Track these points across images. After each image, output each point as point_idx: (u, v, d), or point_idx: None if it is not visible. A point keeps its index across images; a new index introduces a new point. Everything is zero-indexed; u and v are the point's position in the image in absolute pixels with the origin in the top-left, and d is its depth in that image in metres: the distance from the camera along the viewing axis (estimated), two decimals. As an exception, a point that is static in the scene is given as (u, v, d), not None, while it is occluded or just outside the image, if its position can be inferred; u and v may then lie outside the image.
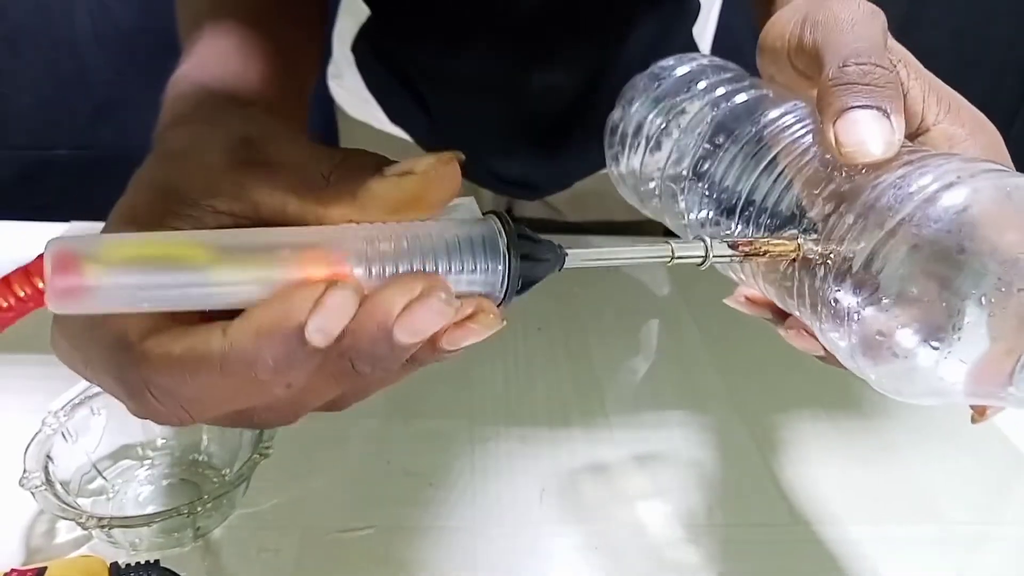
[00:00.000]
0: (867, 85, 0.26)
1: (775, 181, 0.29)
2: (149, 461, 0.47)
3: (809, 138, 0.28)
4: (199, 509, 0.39)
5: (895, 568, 0.44)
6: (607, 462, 0.50)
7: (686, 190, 0.33)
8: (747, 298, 0.33)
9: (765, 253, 0.27)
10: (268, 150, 0.26)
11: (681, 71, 0.36)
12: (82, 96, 1.49)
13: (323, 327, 0.21)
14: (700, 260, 0.27)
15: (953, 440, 0.53)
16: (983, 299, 0.22)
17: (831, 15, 0.29)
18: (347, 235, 0.23)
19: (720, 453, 0.51)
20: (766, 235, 0.28)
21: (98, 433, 0.45)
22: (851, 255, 0.24)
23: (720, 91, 0.33)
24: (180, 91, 0.33)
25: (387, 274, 0.23)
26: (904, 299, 0.23)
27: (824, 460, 0.51)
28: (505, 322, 0.24)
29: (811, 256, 0.26)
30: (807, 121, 0.29)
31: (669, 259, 0.26)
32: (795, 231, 0.27)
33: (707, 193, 0.32)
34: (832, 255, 0.25)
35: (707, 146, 0.32)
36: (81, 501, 0.42)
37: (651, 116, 0.36)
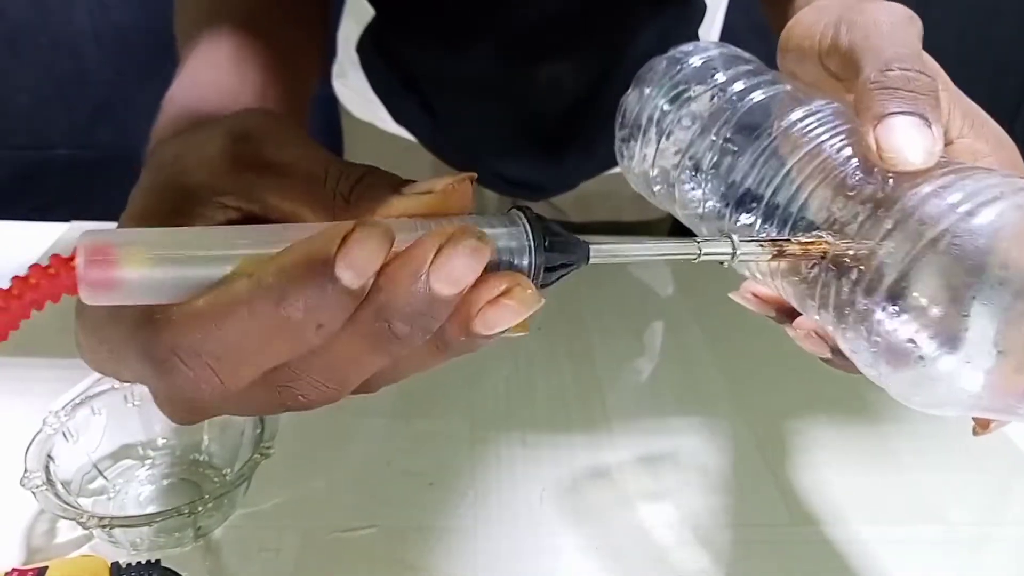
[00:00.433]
0: (909, 92, 0.26)
1: (800, 180, 0.28)
2: (150, 461, 0.47)
3: (838, 139, 0.28)
4: (200, 509, 0.39)
5: (897, 569, 0.44)
6: (608, 463, 0.50)
7: (702, 181, 0.33)
8: (754, 294, 0.33)
9: (794, 253, 0.26)
10: (267, 147, 0.26)
11: (701, 59, 0.35)
12: (81, 96, 1.49)
13: (352, 262, 0.21)
14: (728, 258, 0.26)
15: (955, 441, 0.53)
16: (1016, 315, 0.22)
17: (870, 18, 0.29)
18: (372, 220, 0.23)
19: (722, 454, 0.51)
20: (790, 233, 0.28)
21: (99, 433, 0.45)
22: (886, 261, 0.24)
23: (741, 84, 0.33)
24: (171, 113, 0.33)
25: None
26: (936, 308, 0.23)
27: (826, 461, 0.51)
28: (543, 300, 0.23)
29: (841, 259, 0.26)
30: (836, 122, 0.29)
31: (696, 256, 0.26)
32: (821, 232, 0.27)
33: (725, 186, 0.31)
34: (865, 260, 0.25)
35: (728, 139, 0.32)
36: (82, 501, 0.42)
37: (667, 103, 0.35)
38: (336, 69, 0.78)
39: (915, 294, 0.23)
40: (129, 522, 0.39)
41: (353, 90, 0.76)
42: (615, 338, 0.63)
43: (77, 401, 0.44)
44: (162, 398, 0.24)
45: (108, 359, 0.24)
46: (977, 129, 0.28)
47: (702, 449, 0.51)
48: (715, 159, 0.32)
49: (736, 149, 0.31)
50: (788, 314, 0.31)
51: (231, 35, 0.37)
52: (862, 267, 0.25)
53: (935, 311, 0.23)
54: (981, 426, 0.31)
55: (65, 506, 0.39)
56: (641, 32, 0.64)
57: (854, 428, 0.54)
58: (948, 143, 0.28)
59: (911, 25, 0.29)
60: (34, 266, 0.22)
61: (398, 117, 0.74)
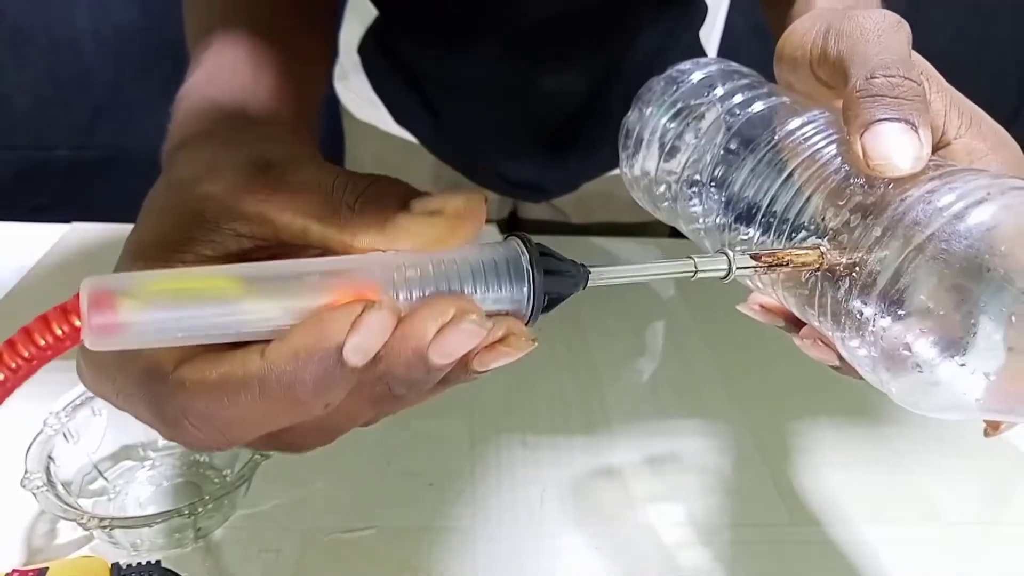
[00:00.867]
0: (895, 98, 0.26)
1: (796, 190, 0.29)
2: (150, 462, 0.47)
3: (832, 148, 0.28)
4: (200, 510, 0.39)
5: (897, 569, 0.44)
6: (608, 463, 0.50)
7: (703, 196, 0.33)
8: (761, 306, 0.33)
9: (788, 264, 0.27)
10: (287, 172, 0.26)
11: (699, 76, 0.36)
12: (81, 96, 1.49)
13: (360, 346, 0.22)
14: (724, 274, 0.27)
15: (954, 442, 0.53)
16: (1011, 317, 0.22)
17: (857, 26, 0.29)
18: (373, 263, 0.24)
19: (722, 454, 0.51)
20: (788, 245, 0.28)
21: (99, 434, 0.45)
22: (877, 268, 0.24)
23: (739, 98, 0.33)
24: (190, 106, 0.33)
25: (415, 299, 0.23)
26: (929, 313, 0.23)
27: (826, 462, 0.51)
28: (536, 343, 0.24)
29: (835, 267, 0.26)
30: (830, 131, 0.29)
31: (693, 274, 0.26)
32: (817, 241, 0.27)
33: (724, 199, 0.32)
34: (857, 267, 0.25)
35: (726, 152, 0.32)
36: (82, 502, 0.42)
37: (667, 120, 0.35)
38: (338, 71, 0.78)
39: (906, 300, 0.23)
40: (129, 523, 0.39)
41: (354, 91, 0.76)
42: (615, 339, 0.63)
43: (78, 402, 0.44)
44: (166, 438, 0.25)
45: (111, 394, 0.25)
46: (975, 128, 0.28)
47: (702, 449, 0.51)
48: (714, 173, 0.32)
49: (733, 162, 0.31)
50: (796, 323, 0.31)
51: (248, 38, 0.37)
52: (855, 275, 0.25)
53: (927, 316, 0.23)
54: (992, 427, 0.31)
55: (65, 507, 0.39)
56: (643, 33, 0.64)
57: (854, 428, 0.54)
58: (946, 143, 0.28)
59: (898, 31, 0.29)
60: (39, 321, 0.22)
61: (399, 118, 0.74)
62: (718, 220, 0.32)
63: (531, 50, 0.63)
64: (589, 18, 0.62)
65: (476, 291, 0.24)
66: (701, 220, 0.33)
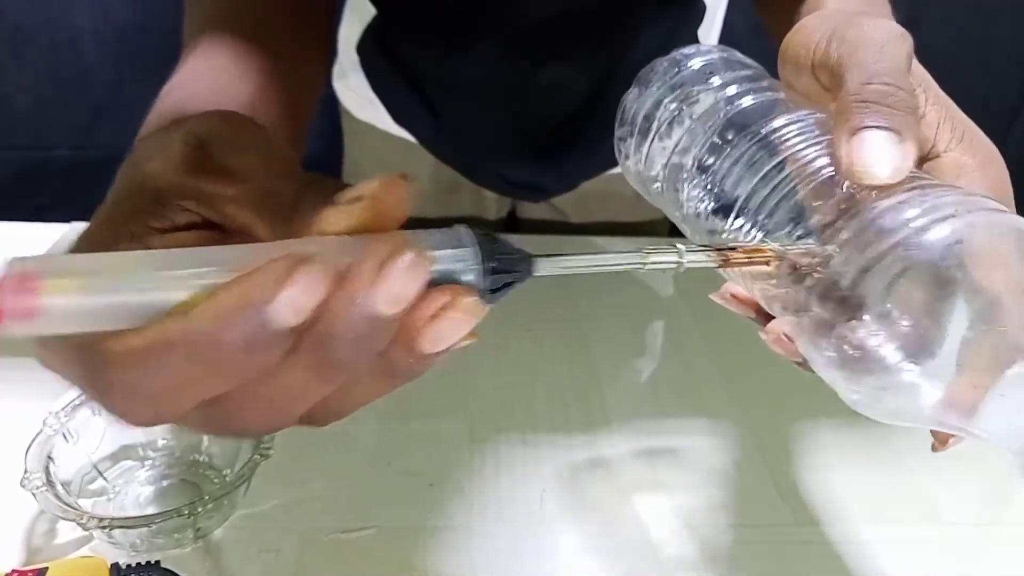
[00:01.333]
0: (886, 107, 0.26)
1: (779, 185, 0.29)
2: (150, 462, 0.47)
3: (818, 148, 0.28)
4: (200, 510, 0.39)
5: (897, 569, 0.44)
6: (608, 463, 0.50)
7: (689, 181, 0.33)
8: (733, 295, 0.33)
9: (738, 261, 0.27)
10: (225, 153, 0.26)
11: (701, 61, 0.36)
12: (81, 96, 1.49)
13: (290, 301, 0.20)
14: (674, 266, 0.26)
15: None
16: (962, 331, 0.23)
17: (860, 34, 0.29)
18: (308, 242, 0.23)
19: (722, 454, 0.51)
20: (762, 239, 0.28)
21: (99, 434, 0.45)
22: (841, 271, 0.25)
23: (736, 88, 0.33)
24: (162, 105, 0.33)
25: None
26: (885, 320, 0.24)
27: (825, 461, 0.51)
28: (489, 307, 0.23)
29: (798, 267, 0.26)
30: (817, 132, 0.29)
31: (642, 266, 0.26)
32: (787, 237, 0.27)
33: (709, 187, 0.32)
34: (822, 268, 0.25)
35: (716, 141, 0.32)
36: (82, 502, 0.42)
37: (665, 101, 0.36)
38: (337, 70, 0.78)
39: (866, 304, 0.24)
40: (129, 523, 0.39)
41: (353, 91, 0.76)
42: (614, 338, 0.63)
43: (77, 402, 0.44)
44: (108, 412, 0.24)
45: (57, 366, 0.24)
46: (966, 143, 0.28)
47: (702, 449, 0.51)
48: (700, 161, 0.32)
49: (723, 151, 0.32)
50: (765, 316, 0.31)
51: (235, 38, 0.37)
52: (817, 275, 0.25)
53: (884, 322, 0.24)
54: (940, 442, 0.31)
55: (65, 507, 0.39)
56: (642, 33, 0.64)
57: (854, 428, 0.54)
58: (935, 155, 0.28)
59: (901, 42, 0.29)
60: None
61: (399, 118, 0.74)
62: (699, 208, 0.32)
63: (531, 50, 0.63)
64: (589, 18, 0.62)
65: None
66: (686, 207, 0.33)
